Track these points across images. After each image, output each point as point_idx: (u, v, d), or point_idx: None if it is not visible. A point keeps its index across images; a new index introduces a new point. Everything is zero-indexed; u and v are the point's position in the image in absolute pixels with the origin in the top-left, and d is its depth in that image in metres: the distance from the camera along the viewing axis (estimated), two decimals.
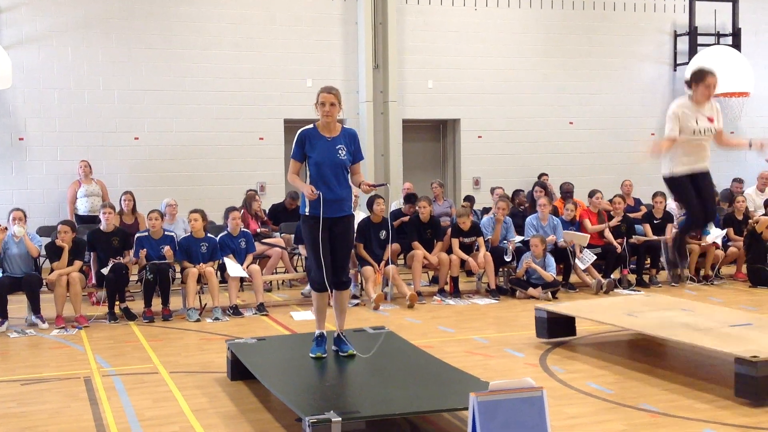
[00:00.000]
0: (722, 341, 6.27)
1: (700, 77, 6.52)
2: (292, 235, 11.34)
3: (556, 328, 7.75)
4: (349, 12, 14.62)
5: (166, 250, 9.47)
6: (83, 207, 12.38)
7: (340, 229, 6.17)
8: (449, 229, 10.93)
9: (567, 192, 13.40)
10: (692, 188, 6.66)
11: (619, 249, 11.01)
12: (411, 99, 14.91)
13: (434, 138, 15.91)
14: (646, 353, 7.26)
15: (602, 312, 7.75)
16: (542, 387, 4.45)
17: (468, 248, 10.60)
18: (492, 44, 15.35)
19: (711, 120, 6.56)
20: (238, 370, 6.45)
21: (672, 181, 6.75)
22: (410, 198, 11.65)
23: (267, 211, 12.48)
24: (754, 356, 5.70)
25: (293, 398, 5.33)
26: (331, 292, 6.24)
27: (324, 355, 6.23)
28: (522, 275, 10.39)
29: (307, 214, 6.13)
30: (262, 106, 14.19)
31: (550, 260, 10.41)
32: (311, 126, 6.21)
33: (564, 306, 8.25)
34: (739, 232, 11.84)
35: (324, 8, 14.54)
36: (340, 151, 6.09)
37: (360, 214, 10.71)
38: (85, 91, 13.38)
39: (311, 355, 6.26)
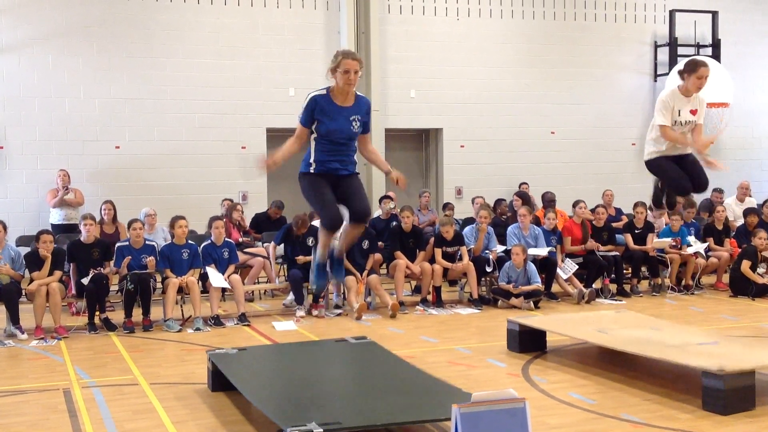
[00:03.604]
0: (690, 356, 6.32)
1: (693, 68, 6.48)
2: (272, 243, 11.30)
3: (528, 341, 7.76)
4: (332, 21, 14.64)
5: (149, 260, 9.41)
6: (58, 216, 12.30)
7: (347, 182, 5.64)
8: (432, 239, 10.93)
9: (549, 201, 13.45)
10: (675, 165, 6.58)
11: (600, 248, 11.09)
12: (393, 108, 14.93)
13: (417, 147, 15.94)
14: (625, 364, 7.26)
15: (573, 327, 7.77)
16: (524, 398, 4.45)
17: (451, 258, 10.60)
18: (474, 54, 15.41)
19: (694, 113, 6.55)
20: (219, 381, 6.41)
21: (653, 164, 6.69)
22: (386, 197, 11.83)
23: (251, 221, 12.45)
24: (721, 369, 5.76)
25: (274, 409, 5.30)
26: (353, 223, 5.65)
27: (324, 286, 5.80)
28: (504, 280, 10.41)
29: (310, 170, 5.59)
30: (245, 115, 14.17)
31: (532, 269, 10.42)
32: (324, 91, 5.58)
33: (536, 320, 8.24)
34: (719, 242, 11.93)
35: (306, 17, 14.54)
36: (353, 123, 5.56)
37: None
38: (66, 99, 13.31)
39: (314, 287, 5.95)
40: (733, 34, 16.74)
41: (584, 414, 5.88)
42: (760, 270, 11.20)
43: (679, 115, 6.50)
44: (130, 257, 9.37)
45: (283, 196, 13.17)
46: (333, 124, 5.52)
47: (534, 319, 8.20)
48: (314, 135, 5.60)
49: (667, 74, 15.97)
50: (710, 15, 16.54)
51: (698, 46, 16.45)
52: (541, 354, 7.69)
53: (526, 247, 10.54)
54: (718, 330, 8.96)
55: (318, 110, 5.51)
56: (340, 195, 5.61)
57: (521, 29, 15.76)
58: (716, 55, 16.29)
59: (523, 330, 7.76)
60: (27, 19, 13.10)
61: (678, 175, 6.58)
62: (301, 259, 10.10)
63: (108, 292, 9.44)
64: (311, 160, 5.61)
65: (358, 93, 5.69)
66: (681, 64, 6.76)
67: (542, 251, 10.76)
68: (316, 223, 8.04)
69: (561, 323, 8.14)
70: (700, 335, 7.36)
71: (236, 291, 9.71)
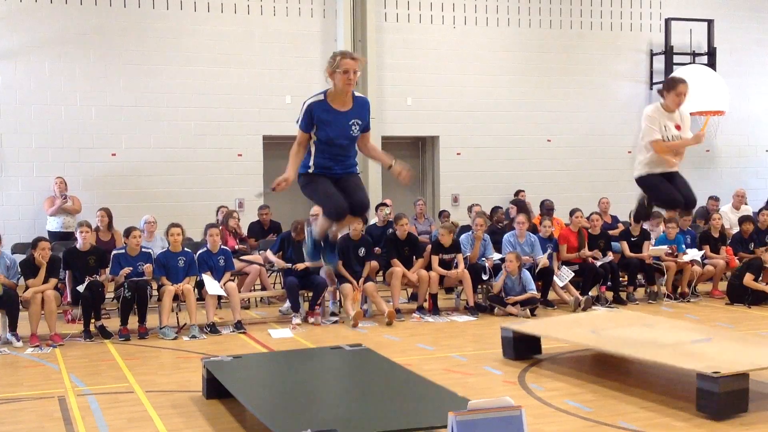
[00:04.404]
0: (684, 358, 6.35)
1: (672, 85, 6.75)
2: (269, 251, 11.29)
3: (522, 348, 7.76)
4: (329, 29, 14.66)
5: (146, 267, 9.39)
6: (56, 224, 12.27)
7: (349, 179, 5.54)
8: (428, 246, 10.93)
9: (548, 209, 13.45)
10: (666, 181, 6.75)
11: (596, 258, 11.07)
12: (390, 116, 14.95)
13: (413, 155, 15.95)
14: (620, 370, 7.27)
15: (566, 330, 7.78)
16: (521, 406, 4.45)
17: (447, 265, 10.60)
18: (471, 62, 15.44)
19: (678, 128, 6.74)
20: (214, 389, 6.39)
21: (643, 180, 6.86)
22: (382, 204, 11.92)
23: (247, 230, 12.43)
24: (716, 372, 5.78)
25: (270, 416, 5.28)
26: (354, 214, 5.55)
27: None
28: (499, 291, 10.39)
29: (310, 171, 5.48)
30: (241, 122, 14.17)
31: (527, 276, 10.42)
32: (320, 97, 5.43)
33: (529, 325, 8.24)
34: (715, 250, 11.94)
35: (303, 25, 14.57)
36: (353, 127, 5.42)
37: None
38: (62, 106, 13.31)
39: (331, 262, 5.91)
40: (729, 43, 16.80)
41: (581, 422, 5.87)
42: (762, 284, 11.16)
43: (666, 130, 6.68)
44: (130, 268, 9.35)
45: (279, 203, 13.17)
46: (333, 130, 5.40)
47: (527, 324, 8.21)
48: (313, 140, 5.49)
49: (662, 82, 15.99)
50: (706, 23, 16.59)
51: (694, 55, 16.49)
52: (537, 361, 7.68)
53: (520, 255, 10.54)
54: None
55: (316, 118, 5.38)
56: (340, 190, 5.48)
57: (517, 38, 15.80)
58: (712, 64, 16.35)
59: (517, 336, 7.76)
60: (23, 26, 13.11)
61: (669, 190, 6.72)
62: (300, 266, 10.06)
63: (103, 299, 9.42)
64: (310, 163, 5.51)
65: (356, 93, 5.54)
66: (662, 84, 6.97)
67: (542, 258, 10.76)
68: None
69: (554, 326, 8.15)
70: (693, 332, 7.40)
71: (232, 298, 9.69)
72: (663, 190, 6.74)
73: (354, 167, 5.64)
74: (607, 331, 7.44)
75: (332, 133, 5.40)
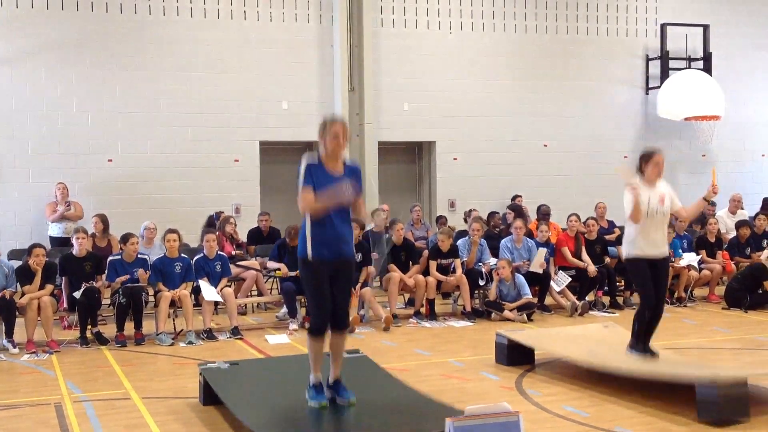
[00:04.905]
0: (684, 367, 6.41)
1: (648, 156, 6.94)
2: (266, 258, 11.29)
3: (516, 355, 7.76)
4: (325, 35, 14.67)
5: (140, 272, 9.38)
6: (57, 229, 12.26)
7: (342, 273, 5.68)
8: (425, 251, 10.93)
9: (545, 214, 13.46)
10: (650, 275, 6.98)
11: (594, 273, 11.03)
12: (386, 121, 14.95)
13: (410, 160, 15.95)
14: (618, 375, 7.25)
15: (562, 346, 7.75)
16: (518, 411, 4.44)
17: (445, 270, 10.59)
18: (467, 67, 15.46)
19: (662, 201, 6.90)
20: (211, 395, 6.38)
21: (632, 264, 7.10)
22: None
23: (247, 236, 12.43)
24: (714, 379, 5.81)
25: (264, 426, 5.26)
26: (334, 330, 5.73)
27: (326, 404, 5.63)
28: (494, 296, 10.40)
29: (309, 257, 5.59)
30: (238, 128, 14.16)
31: (521, 281, 10.42)
32: (315, 158, 5.62)
33: (524, 334, 8.19)
34: (711, 255, 11.95)
35: (299, 31, 14.57)
36: (346, 192, 5.56)
37: None
38: (59, 112, 13.29)
39: (314, 403, 5.63)
40: (725, 48, 16.83)
41: (578, 427, 5.86)
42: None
43: (649, 203, 6.84)
44: (127, 276, 9.33)
45: (275, 208, 13.16)
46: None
47: (522, 334, 8.14)
48: None
49: (658, 87, 16.04)
50: (701, 29, 16.62)
51: (690, 60, 16.53)
52: (534, 367, 7.67)
53: (511, 261, 10.55)
54: (711, 342, 8.98)
55: (315, 177, 5.54)
56: (331, 285, 5.63)
57: (514, 43, 15.82)
58: (707, 69, 16.37)
59: (511, 344, 7.75)
60: (20, 32, 13.09)
61: (648, 288, 7.00)
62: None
63: (100, 305, 9.40)
64: (308, 243, 5.57)
65: (346, 161, 5.74)
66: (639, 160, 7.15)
67: (538, 262, 10.76)
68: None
69: (549, 340, 8.13)
70: (692, 366, 7.32)
71: (229, 304, 9.68)
72: (644, 285, 7.03)
73: (351, 250, 5.74)
74: (603, 353, 7.40)
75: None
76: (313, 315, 5.74)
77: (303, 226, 5.67)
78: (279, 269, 10.23)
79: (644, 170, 6.92)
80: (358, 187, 5.64)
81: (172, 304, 9.44)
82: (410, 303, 11.16)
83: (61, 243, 11.85)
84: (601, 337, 8.06)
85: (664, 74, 16.18)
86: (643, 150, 7.17)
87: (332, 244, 5.59)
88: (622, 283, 11.51)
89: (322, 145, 5.63)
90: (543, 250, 10.88)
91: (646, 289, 7.04)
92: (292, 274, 9.99)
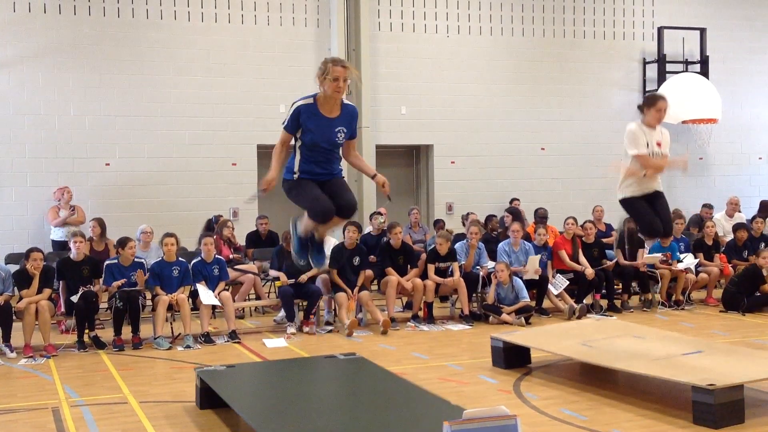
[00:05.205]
0: (679, 370, 6.35)
1: (652, 102, 6.83)
2: (265, 262, 11.28)
3: (513, 358, 7.75)
4: (322, 38, 14.68)
5: (138, 273, 9.37)
6: (59, 233, 12.25)
7: (332, 181, 5.55)
8: (423, 255, 10.93)
9: (542, 217, 13.46)
10: (648, 206, 6.87)
11: (592, 276, 11.03)
12: (384, 125, 14.96)
13: (407, 164, 15.96)
14: (616, 378, 7.26)
15: (557, 342, 7.75)
16: (516, 415, 4.44)
17: (443, 273, 10.59)
18: (464, 71, 15.47)
19: (659, 144, 6.84)
20: (207, 399, 6.38)
21: (626, 203, 6.98)
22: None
23: (245, 240, 12.42)
24: (711, 384, 5.78)
25: (264, 425, 5.26)
26: (340, 215, 5.51)
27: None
28: (492, 300, 10.40)
29: (294, 177, 5.49)
30: (235, 131, 14.17)
31: (519, 284, 10.43)
32: (310, 100, 5.43)
33: (519, 335, 8.21)
34: (709, 258, 11.96)
35: (297, 35, 14.58)
36: (339, 134, 5.44)
37: (332, 240, 10.69)
38: (56, 116, 13.29)
39: (319, 263, 5.82)
40: (721, 51, 16.85)
41: (576, 430, 5.86)
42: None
43: (648, 146, 6.78)
44: (124, 280, 9.32)
45: (274, 211, 13.15)
46: (318, 135, 5.40)
47: (517, 335, 8.17)
48: (298, 143, 5.50)
49: (655, 90, 16.04)
50: (698, 32, 16.63)
51: (687, 63, 16.55)
52: (532, 370, 7.68)
53: (509, 264, 10.55)
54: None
55: (303, 119, 5.39)
56: (326, 193, 5.47)
57: (511, 46, 15.84)
58: (704, 72, 16.39)
59: (507, 346, 7.75)
60: (17, 36, 13.09)
61: (651, 218, 6.84)
62: (303, 278, 10.01)
63: (97, 309, 9.38)
64: (295, 169, 5.52)
65: (345, 101, 5.55)
66: (642, 100, 7.06)
67: (532, 268, 10.76)
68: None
69: (544, 337, 8.13)
70: (684, 344, 7.38)
71: (226, 308, 9.67)
72: (645, 217, 6.88)
73: (339, 171, 5.64)
74: (598, 342, 7.43)
75: (317, 138, 5.40)
76: (312, 211, 5.45)
77: (292, 155, 5.54)
78: (278, 278, 10.21)
79: (646, 113, 6.83)
80: (352, 129, 5.52)
81: (170, 308, 9.43)
82: (408, 306, 11.15)
83: (64, 247, 11.84)
84: (594, 328, 8.07)
85: (661, 78, 16.20)
86: (649, 94, 7.11)
87: (318, 172, 5.48)
88: (620, 287, 11.51)
89: (320, 87, 5.41)
90: (536, 256, 10.88)
91: (646, 219, 6.85)
92: (291, 281, 9.99)
